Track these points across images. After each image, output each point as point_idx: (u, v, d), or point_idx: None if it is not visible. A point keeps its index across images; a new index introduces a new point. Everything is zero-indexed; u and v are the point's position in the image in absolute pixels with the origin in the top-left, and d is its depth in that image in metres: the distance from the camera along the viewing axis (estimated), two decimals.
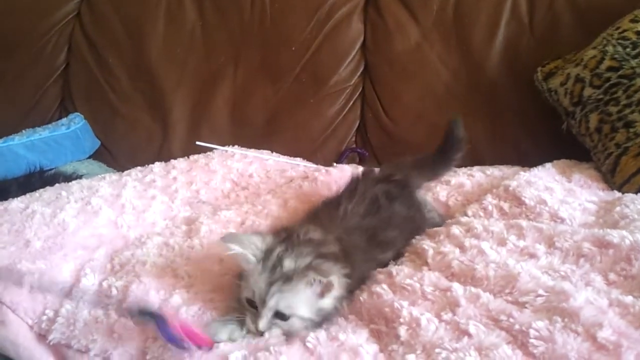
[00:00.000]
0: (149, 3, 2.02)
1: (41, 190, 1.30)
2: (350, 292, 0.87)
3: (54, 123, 1.96)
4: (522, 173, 1.24)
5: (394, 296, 0.84)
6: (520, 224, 0.96)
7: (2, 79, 2.11)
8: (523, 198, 1.10)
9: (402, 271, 0.90)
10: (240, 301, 0.84)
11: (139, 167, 1.53)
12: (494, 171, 1.34)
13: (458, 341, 0.71)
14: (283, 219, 1.20)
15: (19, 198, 1.24)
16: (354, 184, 1.12)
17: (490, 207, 1.12)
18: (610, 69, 1.34)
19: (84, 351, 0.84)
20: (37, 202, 1.20)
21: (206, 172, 1.48)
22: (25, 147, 1.75)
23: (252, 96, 1.89)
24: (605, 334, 0.65)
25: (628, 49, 1.32)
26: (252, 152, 1.66)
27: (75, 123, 1.92)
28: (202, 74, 1.94)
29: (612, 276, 0.80)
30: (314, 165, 1.62)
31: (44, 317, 0.90)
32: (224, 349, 0.76)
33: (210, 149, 1.69)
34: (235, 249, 0.83)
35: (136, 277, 0.94)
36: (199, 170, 1.49)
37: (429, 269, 0.91)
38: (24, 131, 1.86)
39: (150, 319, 0.76)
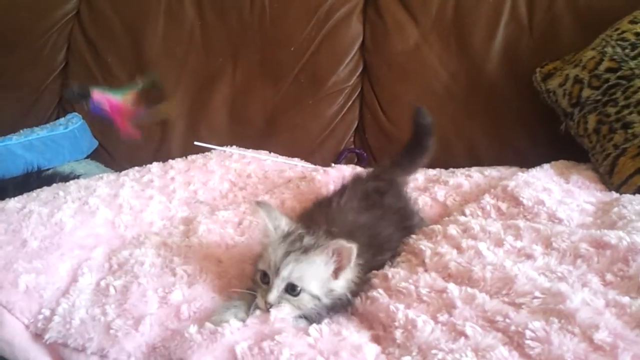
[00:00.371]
0: (149, 2, 2.03)
1: (38, 190, 1.30)
2: (356, 291, 0.88)
3: (52, 123, 1.96)
4: (520, 174, 1.24)
5: (389, 300, 0.84)
6: (518, 225, 0.96)
7: (0, 78, 2.10)
8: (521, 198, 1.10)
9: (397, 274, 0.90)
10: (254, 281, 0.86)
11: (136, 167, 1.53)
12: (492, 172, 1.35)
13: (454, 342, 0.71)
14: None
15: (16, 198, 1.24)
16: (342, 187, 1.15)
17: (488, 207, 1.12)
18: (609, 70, 1.34)
19: (81, 350, 0.83)
20: (34, 202, 1.20)
21: (204, 172, 1.48)
22: (23, 146, 1.75)
23: (251, 96, 1.89)
24: (601, 335, 0.65)
25: (627, 50, 1.32)
26: (250, 153, 1.66)
27: (73, 123, 1.92)
28: (201, 74, 1.94)
29: (609, 277, 0.80)
30: (312, 166, 1.62)
31: (40, 316, 0.90)
32: (229, 338, 0.76)
33: (209, 149, 1.68)
34: (262, 216, 0.88)
35: (135, 277, 0.93)
36: (196, 171, 1.49)
37: (426, 270, 0.91)
38: (22, 131, 1.86)
39: (84, 98, 0.86)
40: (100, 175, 1.45)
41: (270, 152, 1.72)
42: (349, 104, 1.84)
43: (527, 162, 1.39)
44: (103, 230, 1.14)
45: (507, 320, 0.72)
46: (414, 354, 0.71)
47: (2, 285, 0.92)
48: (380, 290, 0.86)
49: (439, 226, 1.05)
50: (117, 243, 1.11)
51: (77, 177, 1.55)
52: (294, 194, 1.35)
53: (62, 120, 1.97)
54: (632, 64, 1.30)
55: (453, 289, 0.81)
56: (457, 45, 1.71)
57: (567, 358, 0.64)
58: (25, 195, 1.27)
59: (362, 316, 0.85)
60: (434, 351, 0.69)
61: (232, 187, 1.45)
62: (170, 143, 1.94)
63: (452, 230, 1.00)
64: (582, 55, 1.42)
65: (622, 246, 0.83)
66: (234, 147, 1.70)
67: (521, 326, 0.69)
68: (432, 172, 1.44)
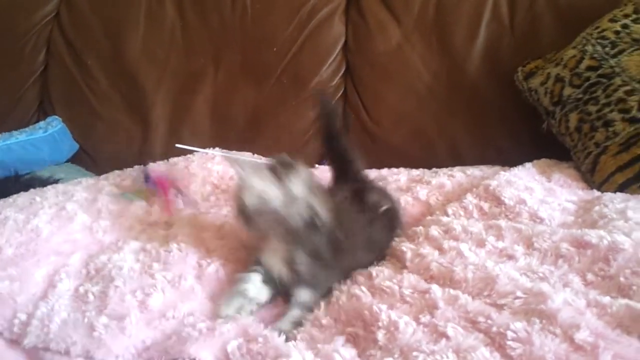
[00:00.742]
0: (129, 3, 2.00)
1: (15, 195, 1.27)
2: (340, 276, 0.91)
3: (31, 126, 1.93)
4: (502, 173, 1.24)
5: (372, 299, 0.83)
6: (499, 225, 0.96)
7: None
8: (503, 198, 1.09)
9: (381, 272, 0.90)
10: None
11: (116, 171, 1.51)
12: (475, 171, 1.34)
13: (436, 344, 0.70)
14: None
15: None
16: None
17: (470, 207, 1.12)
18: (589, 68, 1.34)
19: (64, 353, 0.81)
20: (10, 207, 1.18)
21: (186, 175, 1.46)
22: (1, 151, 1.72)
23: (233, 97, 1.88)
24: (582, 335, 0.65)
25: (607, 49, 1.33)
26: (233, 154, 1.64)
27: (52, 126, 1.89)
28: (183, 75, 1.92)
29: (590, 277, 0.79)
30: None
31: (16, 321, 0.87)
32: (224, 336, 0.76)
33: (191, 152, 1.67)
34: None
35: (112, 282, 0.92)
36: (178, 173, 1.47)
37: (409, 272, 0.90)
38: (0, 135, 1.83)
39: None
40: (79, 179, 1.43)
41: (253, 153, 1.70)
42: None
43: (510, 160, 1.39)
44: (80, 236, 1.12)
45: (489, 321, 0.71)
46: (395, 355, 0.70)
47: None
48: (364, 288, 0.86)
49: (420, 227, 1.04)
50: (95, 248, 1.09)
51: (57, 181, 1.52)
52: None
53: (41, 123, 1.94)
54: (612, 62, 1.31)
55: (436, 290, 0.80)
56: (439, 45, 1.71)
57: (549, 359, 0.63)
58: (1, 201, 1.24)
59: (339, 314, 0.83)
60: (415, 353, 0.68)
61: (214, 189, 1.43)
62: (151, 146, 1.91)
63: (434, 231, 1.00)
64: (563, 53, 1.42)
65: (602, 245, 0.83)
66: (217, 149, 1.69)
67: (503, 327, 0.69)
68: (415, 172, 1.44)
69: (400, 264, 0.94)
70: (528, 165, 1.32)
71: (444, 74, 1.70)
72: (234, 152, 1.67)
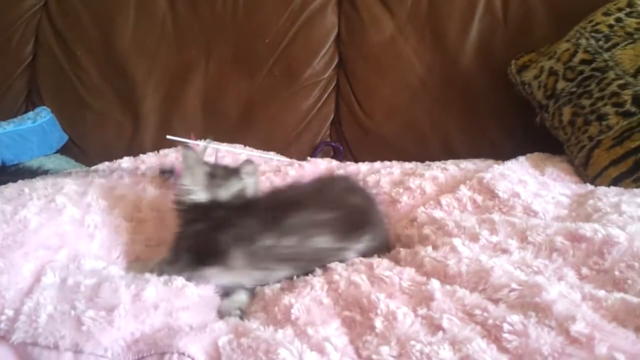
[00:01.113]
0: None
1: (3, 186, 1.25)
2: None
3: (19, 117, 1.90)
4: (495, 166, 1.23)
5: (371, 288, 0.82)
6: (493, 219, 0.96)
7: None
8: (496, 191, 1.09)
9: (381, 264, 0.89)
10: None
11: (107, 163, 1.49)
12: (468, 164, 1.34)
13: (433, 335, 0.70)
14: None
15: None
16: None
17: (464, 199, 1.11)
18: (583, 62, 1.34)
19: (53, 347, 0.80)
20: None
21: (177, 166, 1.45)
22: None
23: (225, 89, 1.86)
24: (578, 327, 0.64)
25: (601, 42, 1.33)
26: (224, 146, 1.63)
27: (41, 117, 1.87)
28: (173, 66, 1.90)
29: (584, 270, 0.79)
30: (288, 160, 1.60)
31: (4, 317, 0.85)
32: (214, 332, 0.75)
33: (182, 143, 1.65)
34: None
35: (105, 276, 0.91)
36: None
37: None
38: None
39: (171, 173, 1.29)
40: (69, 171, 1.41)
41: (245, 145, 1.69)
42: (325, 96, 1.82)
43: (503, 154, 1.39)
44: (70, 228, 1.10)
45: (485, 314, 0.70)
46: (392, 344, 0.69)
47: None
48: (364, 277, 0.85)
49: (414, 229, 1.04)
50: (85, 242, 1.08)
51: (46, 172, 1.50)
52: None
53: (30, 114, 1.91)
54: (605, 55, 1.31)
55: (434, 282, 0.80)
56: (432, 38, 1.70)
57: (544, 351, 0.63)
58: None
59: (339, 297, 0.83)
60: (412, 342, 0.68)
61: None
62: (142, 137, 1.89)
63: (427, 230, 1.00)
64: (557, 47, 1.42)
65: (597, 239, 0.83)
66: (208, 140, 1.67)
67: (499, 320, 0.68)
68: (408, 165, 1.43)
69: (394, 262, 0.94)
70: (521, 158, 1.32)
71: (437, 67, 1.69)
72: (225, 143, 1.66)
